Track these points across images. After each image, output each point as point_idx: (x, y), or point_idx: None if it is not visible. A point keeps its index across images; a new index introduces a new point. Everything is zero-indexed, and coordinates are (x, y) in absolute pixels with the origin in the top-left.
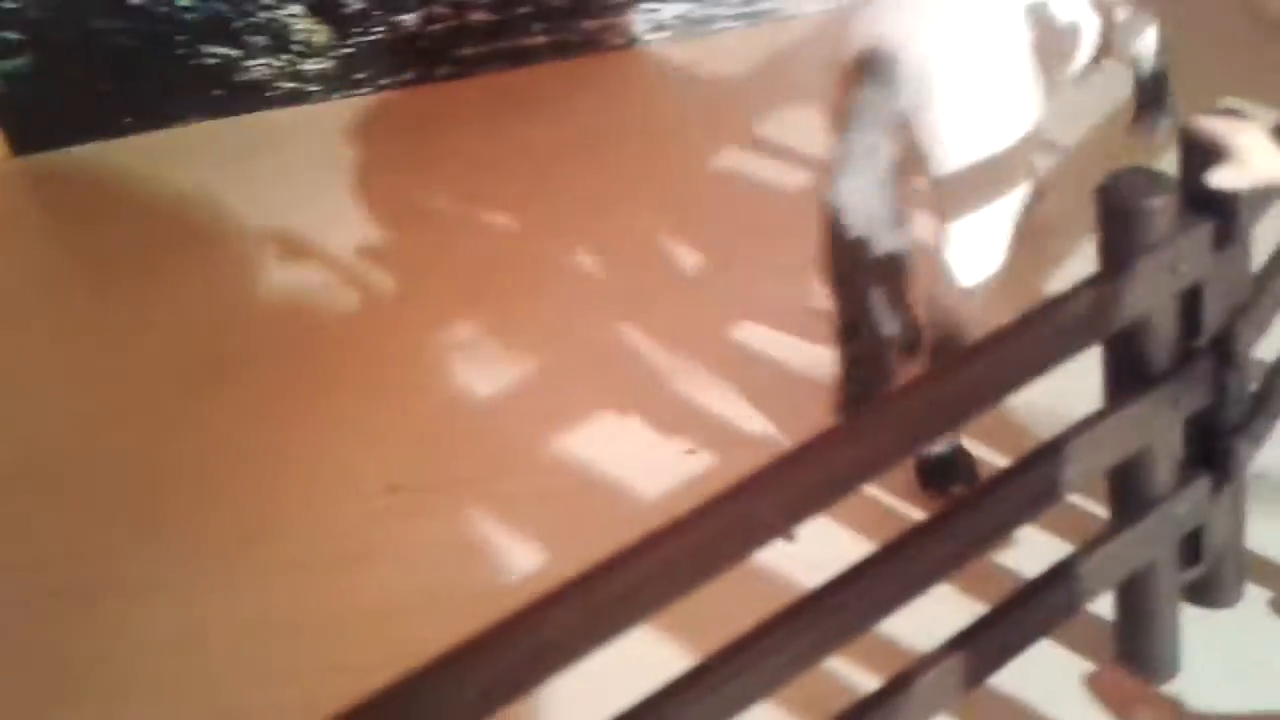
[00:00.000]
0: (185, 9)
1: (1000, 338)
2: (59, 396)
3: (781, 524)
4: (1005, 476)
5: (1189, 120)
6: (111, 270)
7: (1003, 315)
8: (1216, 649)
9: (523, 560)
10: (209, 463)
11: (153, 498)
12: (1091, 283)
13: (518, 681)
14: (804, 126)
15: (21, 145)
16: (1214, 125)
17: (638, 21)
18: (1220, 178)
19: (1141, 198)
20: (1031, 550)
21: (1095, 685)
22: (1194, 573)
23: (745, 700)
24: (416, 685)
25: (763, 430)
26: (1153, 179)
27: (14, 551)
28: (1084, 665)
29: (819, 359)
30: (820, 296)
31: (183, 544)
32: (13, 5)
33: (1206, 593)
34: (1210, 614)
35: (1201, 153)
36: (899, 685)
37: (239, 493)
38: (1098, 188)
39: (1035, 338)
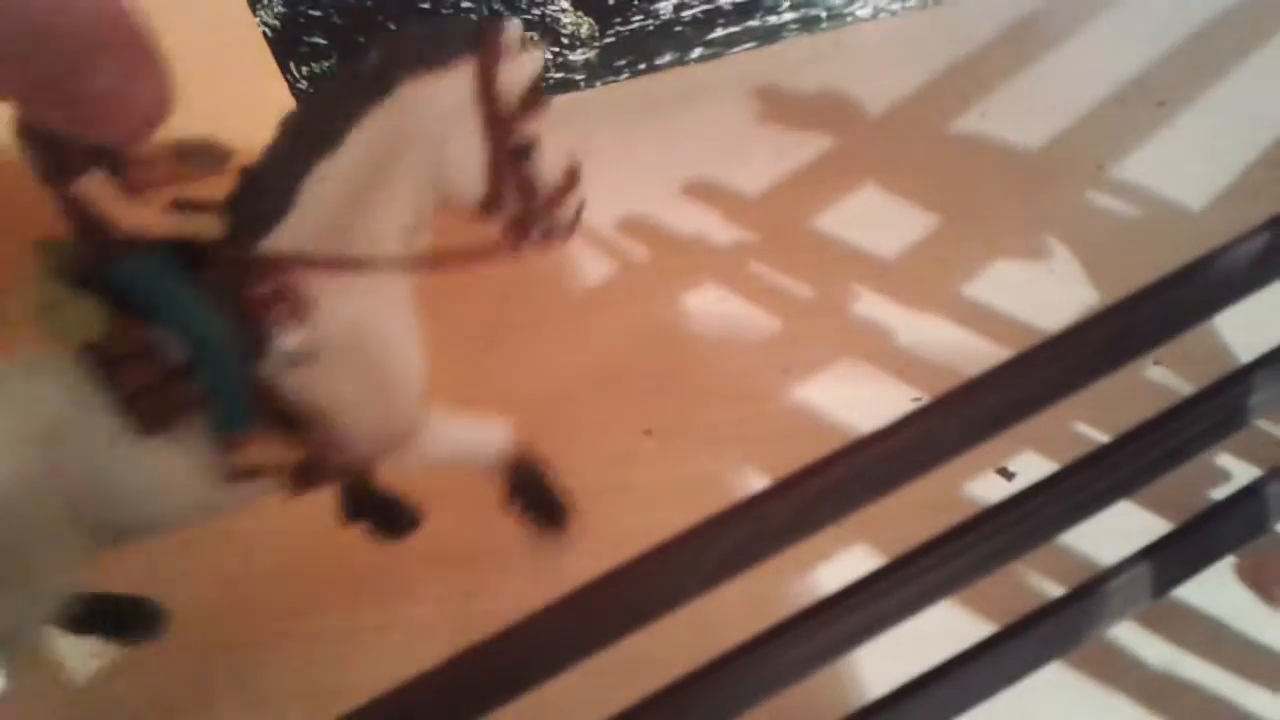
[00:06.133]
0: (466, 9)
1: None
2: None
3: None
4: (1192, 401)
5: None
6: None
7: None
8: None
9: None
10: None
11: None
12: None
13: (748, 555)
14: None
15: None
16: None
17: None
18: None
19: None
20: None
21: (1242, 570)
22: None
23: (933, 597)
24: (666, 550)
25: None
26: None
27: None
28: None
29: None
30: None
31: None
32: None
33: None
34: None
35: None
36: (1090, 589)
37: None
38: None
39: None
